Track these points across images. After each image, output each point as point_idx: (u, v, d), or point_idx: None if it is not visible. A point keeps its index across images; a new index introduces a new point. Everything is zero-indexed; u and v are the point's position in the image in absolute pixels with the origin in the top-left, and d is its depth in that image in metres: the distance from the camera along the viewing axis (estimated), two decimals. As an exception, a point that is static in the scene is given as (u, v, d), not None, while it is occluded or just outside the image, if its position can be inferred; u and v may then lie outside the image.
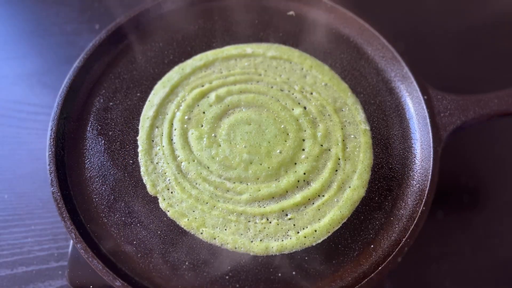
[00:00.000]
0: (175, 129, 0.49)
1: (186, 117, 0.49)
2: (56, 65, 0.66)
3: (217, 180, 0.46)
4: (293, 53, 0.53)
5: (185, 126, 0.49)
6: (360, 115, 0.50)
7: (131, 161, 0.48)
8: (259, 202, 0.46)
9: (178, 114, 0.50)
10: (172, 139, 0.49)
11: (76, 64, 0.51)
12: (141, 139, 0.48)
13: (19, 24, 0.70)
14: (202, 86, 0.51)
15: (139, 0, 0.55)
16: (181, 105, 0.50)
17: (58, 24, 0.70)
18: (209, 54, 0.53)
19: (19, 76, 0.66)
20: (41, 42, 0.68)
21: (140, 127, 0.49)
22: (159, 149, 0.48)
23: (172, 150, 0.48)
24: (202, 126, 0.49)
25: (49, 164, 0.46)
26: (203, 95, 0.51)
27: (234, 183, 0.46)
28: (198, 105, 0.50)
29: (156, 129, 0.49)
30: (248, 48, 0.53)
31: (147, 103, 0.50)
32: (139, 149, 0.48)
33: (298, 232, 0.44)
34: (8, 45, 0.68)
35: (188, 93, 0.51)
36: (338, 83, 0.52)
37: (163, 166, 0.47)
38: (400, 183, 0.48)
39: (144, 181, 0.47)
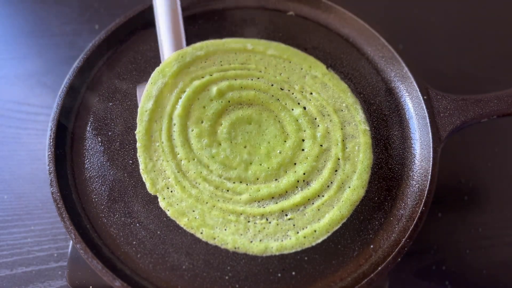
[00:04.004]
0: (175, 125, 0.48)
1: (186, 112, 0.48)
2: (56, 65, 0.67)
3: (217, 179, 0.46)
4: (292, 52, 0.53)
5: (185, 122, 0.48)
6: (360, 115, 0.50)
7: (131, 161, 0.48)
8: (258, 202, 0.46)
9: (178, 108, 0.48)
10: (171, 135, 0.48)
11: (76, 64, 0.51)
12: (140, 134, 0.47)
13: (19, 24, 0.70)
14: (202, 77, 0.50)
15: (139, 0, 0.55)
16: (180, 98, 0.49)
17: (58, 25, 0.70)
18: (209, 44, 0.52)
19: (19, 77, 0.66)
20: (40, 42, 0.68)
21: (138, 120, 0.48)
22: (158, 146, 0.47)
23: (172, 147, 0.48)
24: (202, 122, 0.49)
25: (48, 164, 0.46)
26: (204, 87, 0.50)
27: (234, 183, 0.46)
28: (198, 99, 0.49)
29: (155, 124, 0.48)
30: (249, 44, 0.53)
31: (144, 93, 0.49)
32: (138, 145, 0.47)
33: (297, 232, 0.44)
34: (7, 45, 0.69)
35: (188, 85, 0.49)
36: (338, 83, 0.52)
37: (163, 164, 0.47)
38: (399, 183, 0.48)
39: (143, 179, 0.46)
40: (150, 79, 0.49)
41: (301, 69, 0.52)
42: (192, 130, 0.48)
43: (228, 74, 0.50)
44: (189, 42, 0.54)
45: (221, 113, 0.49)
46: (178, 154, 0.47)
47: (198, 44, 0.52)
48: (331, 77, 0.52)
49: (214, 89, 0.49)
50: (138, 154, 0.47)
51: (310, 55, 0.53)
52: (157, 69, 0.49)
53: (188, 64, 0.50)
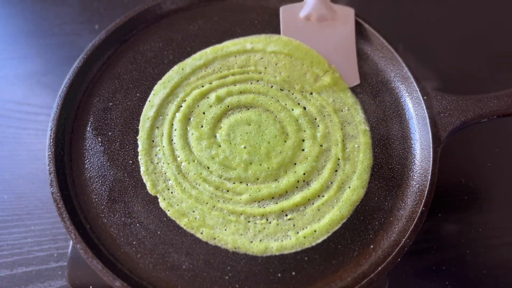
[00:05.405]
0: (175, 130, 0.49)
1: (186, 118, 0.49)
2: (56, 65, 0.67)
3: (217, 180, 0.46)
4: (294, 46, 0.53)
5: (186, 126, 0.49)
6: (360, 116, 0.50)
7: (131, 161, 0.48)
8: (258, 202, 0.46)
9: (178, 115, 0.50)
10: (172, 140, 0.49)
11: (76, 64, 0.51)
12: (142, 139, 0.49)
13: (19, 24, 0.70)
14: (202, 86, 0.51)
15: (139, 0, 0.55)
16: (181, 106, 0.50)
17: (58, 25, 0.70)
18: (209, 52, 0.53)
19: (19, 77, 0.66)
20: (40, 42, 0.68)
21: (140, 127, 0.49)
22: (159, 150, 0.48)
23: (172, 151, 0.48)
24: (202, 126, 0.49)
25: (48, 165, 0.46)
26: (203, 95, 0.51)
27: (234, 183, 0.46)
28: (198, 106, 0.50)
29: (157, 130, 0.49)
30: (248, 43, 0.53)
31: (147, 103, 0.50)
32: (139, 148, 0.48)
33: (297, 232, 0.44)
34: (7, 45, 0.69)
35: (188, 94, 0.51)
36: (338, 83, 0.52)
37: (163, 167, 0.47)
38: (399, 184, 0.48)
39: (144, 181, 0.47)
40: (152, 90, 0.51)
41: (303, 65, 0.52)
42: (192, 134, 0.49)
43: (227, 81, 0.51)
44: (189, 42, 0.54)
45: (221, 117, 0.50)
46: (179, 157, 0.48)
47: (197, 54, 0.53)
48: (331, 76, 0.52)
49: (213, 96, 0.50)
50: (139, 157, 0.47)
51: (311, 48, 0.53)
52: (159, 82, 0.51)
53: (188, 75, 0.51)
